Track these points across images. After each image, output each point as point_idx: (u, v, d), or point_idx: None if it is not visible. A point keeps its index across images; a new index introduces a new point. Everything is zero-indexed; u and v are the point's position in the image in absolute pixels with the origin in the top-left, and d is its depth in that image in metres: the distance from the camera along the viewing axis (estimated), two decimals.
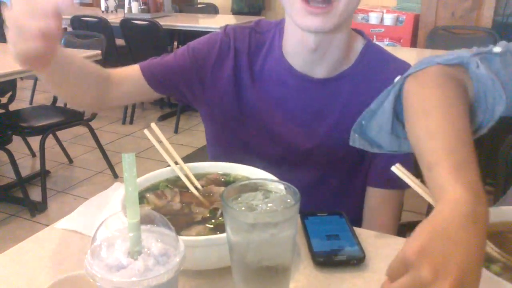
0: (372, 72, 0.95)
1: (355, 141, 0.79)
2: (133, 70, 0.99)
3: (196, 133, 3.84)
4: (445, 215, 0.50)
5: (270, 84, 0.97)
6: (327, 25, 0.83)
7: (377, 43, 3.52)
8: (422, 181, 0.66)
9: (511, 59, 0.72)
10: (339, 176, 0.99)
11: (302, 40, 0.89)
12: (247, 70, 0.97)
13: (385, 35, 3.93)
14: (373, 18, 3.98)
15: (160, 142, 0.85)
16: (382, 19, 3.99)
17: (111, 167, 3.10)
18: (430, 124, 0.63)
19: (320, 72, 0.94)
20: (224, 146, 1.03)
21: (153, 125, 0.87)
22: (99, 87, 0.94)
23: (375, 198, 0.98)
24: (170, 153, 0.85)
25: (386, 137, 0.75)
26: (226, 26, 1.01)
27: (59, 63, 0.78)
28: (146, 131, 0.87)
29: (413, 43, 3.86)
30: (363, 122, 0.77)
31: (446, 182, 0.54)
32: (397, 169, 0.69)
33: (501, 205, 0.88)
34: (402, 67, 0.94)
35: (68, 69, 0.85)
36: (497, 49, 0.73)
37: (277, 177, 0.76)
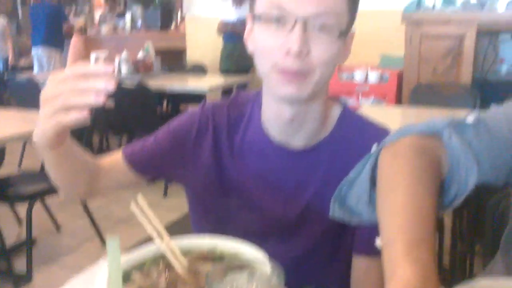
0: (350, 139, 0.96)
1: (335, 211, 0.79)
2: (117, 158, 1.01)
3: (186, 196, 3.80)
4: None
5: (250, 156, 0.98)
6: (303, 93, 0.85)
7: (362, 100, 3.54)
8: None
9: (484, 129, 0.74)
10: (325, 247, 0.99)
11: (279, 111, 0.92)
12: (227, 144, 0.99)
13: (370, 92, 4.02)
14: (358, 76, 4.09)
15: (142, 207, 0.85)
16: (366, 77, 4.10)
17: (99, 234, 3.07)
18: (393, 201, 0.64)
19: (298, 142, 0.95)
20: (208, 220, 1.04)
21: (139, 197, 0.88)
22: (92, 176, 0.96)
23: (361, 267, 0.97)
24: (158, 224, 0.84)
25: (364, 207, 0.76)
26: (204, 103, 1.04)
27: (66, 143, 0.83)
28: (132, 205, 0.87)
29: (398, 99, 3.95)
30: (343, 192, 0.78)
31: (397, 261, 0.55)
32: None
33: (491, 273, 0.88)
34: (380, 133, 0.96)
35: (71, 152, 0.88)
36: (470, 119, 0.75)
37: (263, 250, 0.76)
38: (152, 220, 0.85)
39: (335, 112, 0.98)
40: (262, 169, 0.97)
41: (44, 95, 0.73)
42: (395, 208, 0.63)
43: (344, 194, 0.78)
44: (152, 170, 1.02)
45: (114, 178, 1.01)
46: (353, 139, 0.96)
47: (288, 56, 0.81)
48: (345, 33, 0.85)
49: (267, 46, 0.84)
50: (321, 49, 0.82)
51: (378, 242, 0.69)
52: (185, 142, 1.00)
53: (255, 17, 0.86)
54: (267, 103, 0.95)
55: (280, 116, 0.92)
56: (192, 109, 1.04)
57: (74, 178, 0.94)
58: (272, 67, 0.84)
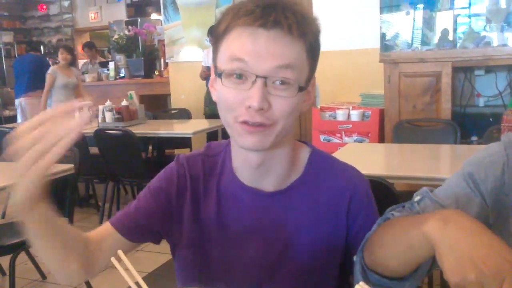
0: (322, 179, 0.99)
1: None
2: (106, 228, 1.01)
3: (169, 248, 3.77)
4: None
5: (226, 202, 1.00)
6: (266, 143, 0.87)
7: (345, 138, 3.56)
8: None
9: (429, 201, 0.87)
10: None
11: (246, 158, 0.95)
12: (204, 193, 1.01)
13: (353, 130, 4.06)
14: (340, 115, 4.14)
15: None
16: (349, 115, 4.15)
17: (87, 281, 2.99)
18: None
19: (268, 185, 0.98)
20: (191, 270, 1.04)
21: (120, 252, 0.87)
22: (84, 252, 0.94)
23: None
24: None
25: None
26: (179, 156, 1.05)
27: (45, 205, 0.81)
28: (113, 259, 0.87)
29: (381, 136, 4.00)
30: None
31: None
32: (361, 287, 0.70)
33: None
34: (351, 174, 1.01)
35: (53, 219, 0.85)
36: (416, 198, 0.89)
37: None
38: (132, 273, 0.84)
39: (304, 154, 1.01)
40: (238, 212, 0.99)
41: (17, 149, 0.71)
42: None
43: None
44: (141, 231, 1.02)
45: (107, 249, 0.98)
46: (325, 179, 0.99)
47: (249, 111, 0.84)
48: (305, 87, 0.88)
49: (229, 100, 0.86)
50: (281, 103, 0.85)
51: (358, 286, 0.70)
52: (168, 199, 1.01)
53: (217, 73, 0.89)
54: (235, 150, 0.98)
55: (247, 162, 0.95)
56: (168, 166, 1.05)
57: (64, 255, 0.91)
58: (234, 119, 0.87)
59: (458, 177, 0.88)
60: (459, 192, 0.86)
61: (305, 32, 0.85)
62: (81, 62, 9.33)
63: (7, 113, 8.70)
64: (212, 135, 5.21)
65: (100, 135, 4.05)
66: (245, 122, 0.85)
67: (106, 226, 1.01)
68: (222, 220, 0.99)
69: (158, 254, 3.41)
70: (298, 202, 0.97)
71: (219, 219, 0.99)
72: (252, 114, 0.84)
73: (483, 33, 3.55)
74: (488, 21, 3.54)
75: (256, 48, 0.83)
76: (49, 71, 6.00)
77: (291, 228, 0.97)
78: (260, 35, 0.83)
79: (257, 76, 0.82)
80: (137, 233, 1.01)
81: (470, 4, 3.59)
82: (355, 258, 0.85)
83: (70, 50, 6.31)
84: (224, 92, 0.87)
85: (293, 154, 0.98)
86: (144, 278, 0.84)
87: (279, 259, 0.97)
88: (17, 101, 7.04)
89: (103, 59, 8.46)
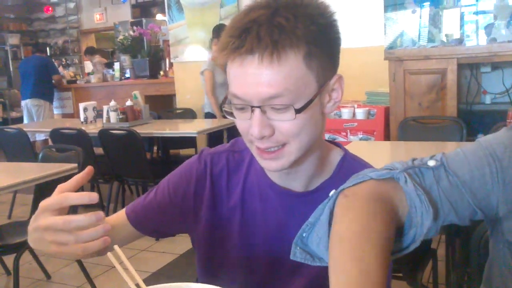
0: None
1: (296, 254, 0.77)
2: (122, 217, 1.01)
3: (178, 239, 3.76)
4: None
5: (252, 199, 0.98)
6: (285, 164, 0.87)
7: (351, 137, 3.52)
8: None
9: (444, 174, 0.75)
10: None
11: None
12: (226, 190, 1.00)
13: (358, 129, 4.04)
14: (345, 114, 4.12)
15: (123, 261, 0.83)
16: (354, 114, 4.13)
17: (90, 280, 3.00)
18: (342, 263, 0.64)
19: (298, 185, 0.96)
20: (211, 267, 1.03)
21: (116, 247, 0.87)
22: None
23: None
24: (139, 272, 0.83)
25: (324, 250, 0.73)
26: (202, 152, 1.04)
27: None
28: (109, 254, 0.86)
29: (386, 135, 3.98)
30: (304, 235, 0.76)
31: None
32: None
33: None
34: None
35: None
36: (431, 162, 0.76)
37: None
38: (129, 268, 0.83)
39: (335, 157, 0.99)
40: (263, 211, 0.97)
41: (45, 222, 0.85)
42: (346, 279, 0.62)
43: (305, 237, 0.77)
44: (155, 228, 1.03)
45: (120, 237, 0.99)
46: None
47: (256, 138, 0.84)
48: (303, 107, 0.82)
49: (239, 128, 0.88)
50: (285, 127, 0.83)
51: None
52: (186, 194, 1.00)
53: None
54: None
55: None
56: (190, 160, 1.04)
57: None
58: (250, 142, 0.88)
59: (481, 159, 0.75)
60: (479, 179, 0.74)
61: (292, 44, 0.78)
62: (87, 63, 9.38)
63: (13, 114, 8.76)
64: (217, 135, 5.20)
65: (105, 135, 4.06)
66: (259, 147, 0.86)
67: (122, 215, 1.02)
68: (245, 217, 0.98)
69: (163, 254, 3.42)
70: None
71: (242, 215, 0.98)
72: (260, 140, 0.84)
73: (489, 30, 3.53)
74: (495, 17, 3.51)
75: (244, 81, 0.81)
76: (206, 66, 4.80)
77: None
78: (246, 65, 0.80)
79: (252, 107, 0.82)
80: (148, 226, 1.02)
81: (477, 0, 3.57)
82: (332, 192, 0.76)
83: None
84: (236, 119, 0.87)
85: (323, 156, 0.96)
86: (147, 278, 0.83)
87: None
88: (23, 103, 7.08)
89: (104, 60, 8.48)
